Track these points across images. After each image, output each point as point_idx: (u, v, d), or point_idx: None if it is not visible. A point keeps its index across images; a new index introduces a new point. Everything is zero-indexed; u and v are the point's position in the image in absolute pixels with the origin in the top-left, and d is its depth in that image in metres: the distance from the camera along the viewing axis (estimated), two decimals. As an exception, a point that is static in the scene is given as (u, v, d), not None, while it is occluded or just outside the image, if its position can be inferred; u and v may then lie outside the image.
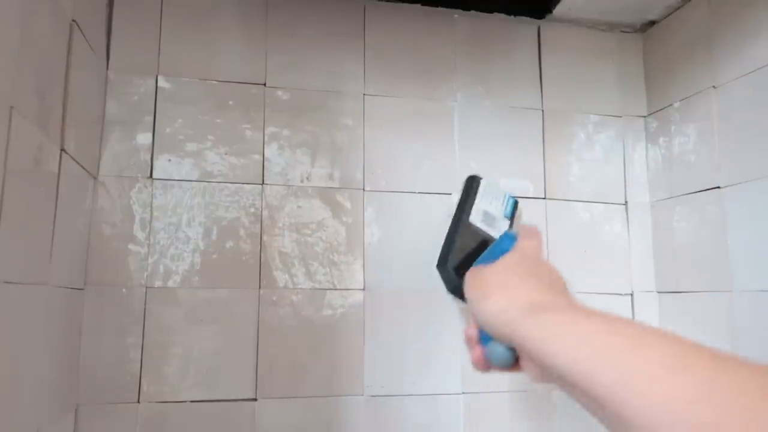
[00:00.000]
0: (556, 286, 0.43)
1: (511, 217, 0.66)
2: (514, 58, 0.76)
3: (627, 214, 0.76)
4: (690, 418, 0.25)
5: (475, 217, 0.63)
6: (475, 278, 0.47)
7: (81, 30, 0.54)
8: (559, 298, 0.40)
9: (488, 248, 0.55)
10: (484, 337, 0.46)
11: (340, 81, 0.70)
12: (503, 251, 0.50)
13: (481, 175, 0.66)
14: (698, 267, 0.68)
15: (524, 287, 0.41)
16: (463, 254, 0.59)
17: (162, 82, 0.65)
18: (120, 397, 0.59)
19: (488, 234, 0.63)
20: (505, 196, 0.67)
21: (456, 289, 0.58)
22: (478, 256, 0.58)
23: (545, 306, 0.38)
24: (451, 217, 0.64)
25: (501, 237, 0.56)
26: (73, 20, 0.53)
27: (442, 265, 0.59)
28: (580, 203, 0.75)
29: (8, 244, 0.39)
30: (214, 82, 0.67)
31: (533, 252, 0.49)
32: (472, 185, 0.66)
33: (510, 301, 0.40)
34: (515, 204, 0.67)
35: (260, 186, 0.66)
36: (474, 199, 0.65)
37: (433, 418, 0.67)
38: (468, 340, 0.47)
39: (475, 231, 0.62)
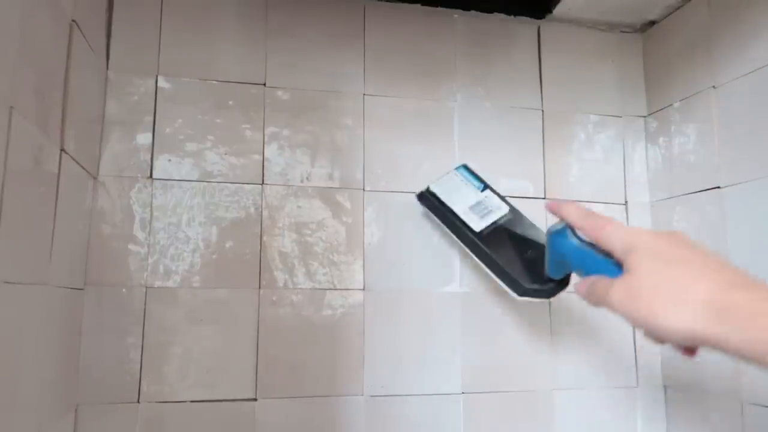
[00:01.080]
0: (723, 272, 0.38)
1: (482, 180, 0.65)
2: (514, 58, 0.76)
3: (627, 214, 0.76)
4: None
5: (474, 220, 0.61)
6: (622, 293, 0.40)
7: (81, 30, 0.54)
8: (739, 291, 0.36)
9: (550, 250, 0.50)
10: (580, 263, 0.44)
11: (340, 81, 0.70)
12: (568, 246, 0.46)
13: (425, 188, 0.64)
14: (698, 267, 0.68)
15: (693, 290, 0.36)
16: (524, 264, 0.56)
17: (162, 82, 0.65)
18: (120, 397, 0.59)
19: (508, 221, 0.59)
20: (457, 176, 0.65)
21: (554, 290, 0.54)
22: (532, 249, 0.55)
23: (731, 305, 0.35)
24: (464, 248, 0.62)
25: (555, 234, 0.49)
26: (73, 20, 0.53)
27: (530, 287, 0.54)
28: (581, 203, 0.75)
29: (8, 244, 0.39)
30: (214, 82, 0.67)
31: (664, 242, 0.40)
32: (430, 200, 0.63)
33: (689, 310, 0.36)
34: (465, 168, 0.65)
35: (260, 186, 0.66)
36: (450, 209, 0.61)
37: (433, 418, 0.67)
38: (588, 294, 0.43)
39: (496, 235, 0.59)
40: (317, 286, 0.66)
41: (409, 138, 0.71)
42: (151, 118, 0.64)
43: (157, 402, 0.60)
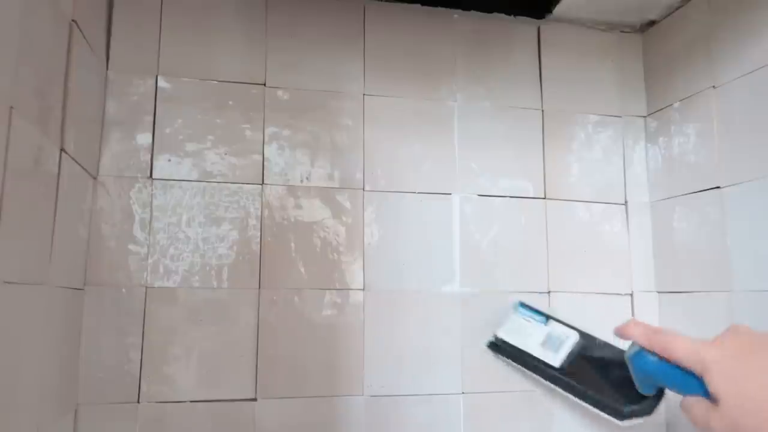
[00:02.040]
0: None
1: (541, 313, 0.66)
2: (513, 58, 0.76)
3: (627, 214, 0.76)
4: None
5: (550, 356, 0.61)
6: (721, 424, 0.40)
7: (81, 30, 0.54)
8: None
9: (634, 372, 0.51)
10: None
11: (340, 81, 0.70)
12: (650, 365, 0.47)
13: (493, 337, 0.66)
14: (698, 267, 0.68)
15: None
16: (614, 387, 0.56)
17: (162, 82, 0.65)
18: (120, 397, 0.59)
19: (582, 347, 0.61)
20: (518, 316, 0.66)
21: (653, 405, 0.54)
22: (616, 370, 0.55)
23: None
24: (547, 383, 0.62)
25: (634, 356, 0.49)
26: (73, 20, 0.53)
27: (630, 410, 0.55)
28: (580, 203, 0.75)
29: (8, 244, 0.39)
30: (214, 82, 0.67)
31: (733, 354, 0.40)
32: (502, 348, 0.65)
33: None
34: (523, 306, 0.67)
35: (260, 186, 0.66)
36: (523, 351, 0.63)
37: (433, 418, 0.67)
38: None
39: (576, 366, 0.60)
40: (317, 286, 0.66)
41: (409, 138, 0.71)
42: (151, 118, 0.64)
43: (157, 402, 0.60)
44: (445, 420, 0.67)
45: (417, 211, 0.70)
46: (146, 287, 0.62)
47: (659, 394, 0.54)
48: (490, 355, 0.69)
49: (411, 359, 0.67)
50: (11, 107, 0.39)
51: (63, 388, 0.55)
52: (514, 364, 0.66)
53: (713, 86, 0.67)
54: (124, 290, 0.61)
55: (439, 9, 0.74)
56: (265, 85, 0.68)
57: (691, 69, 0.70)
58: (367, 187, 0.69)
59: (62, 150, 0.50)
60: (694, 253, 0.69)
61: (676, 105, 0.73)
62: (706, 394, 0.41)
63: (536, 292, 0.71)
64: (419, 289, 0.69)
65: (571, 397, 0.61)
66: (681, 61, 0.72)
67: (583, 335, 0.64)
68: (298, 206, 0.67)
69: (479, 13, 0.75)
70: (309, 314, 0.65)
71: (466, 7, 0.75)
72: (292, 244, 0.66)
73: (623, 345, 0.55)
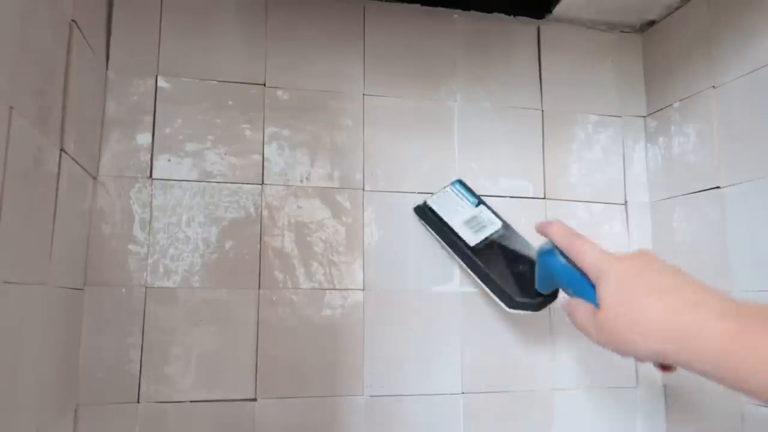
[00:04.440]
0: (681, 292, 0.39)
1: (475, 195, 0.67)
2: (513, 58, 0.76)
3: (627, 214, 0.76)
4: None
5: (468, 235, 0.63)
6: (596, 327, 0.42)
7: (81, 30, 0.54)
8: (688, 312, 0.37)
9: (539, 267, 0.53)
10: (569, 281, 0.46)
11: (340, 81, 0.70)
12: (556, 265, 0.48)
13: (423, 203, 0.66)
14: (698, 267, 0.68)
15: (651, 315, 0.38)
16: (515, 277, 0.59)
17: (162, 83, 0.65)
18: (120, 397, 0.59)
19: (501, 236, 0.62)
20: (452, 191, 0.67)
21: (542, 304, 0.57)
22: (523, 264, 0.57)
23: (679, 328, 0.36)
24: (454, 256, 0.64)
25: (545, 253, 0.51)
26: (73, 20, 0.53)
27: (520, 300, 0.57)
28: (580, 203, 0.75)
29: (8, 244, 0.39)
30: (214, 82, 0.67)
31: (628, 268, 0.42)
32: (427, 214, 0.66)
33: (650, 334, 0.38)
34: (461, 183, 0.67)
35: (260, 186, 0.66)
36: (445, 223, 0.64)
37: (433, 418, 0.67)
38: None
39: (489, 250, 0.62)
40: (317, 286, 0.66)
41: (408, 138, 0.71)
42: (151, 118, 0.64)
43: (157, 402, 0.60)
44: (445, 420, 0.67)
45: (417, 211, 0.70)
46: (146, 287, 0.62)
47: (552, 296, 0.57)
48: (489, 353, 0.69)
49: (411, 359, 0.67)
50: (11, 107, 0.39)
51: (63, 388, 0.55)
52: (433, 233, 0.67)
53: (713, 86, 0.67)
54: (123, 290, 0.61)
55: (439, 9, 0.74)
56: (264, 85, 0.68)
57: (691, 69, 0.70)
58: (367, 187, 0.69)
59: (62, 150, 0.50)
60: (694, 253, 0.69)
61: (675, 105, 0.73)
62: (597, 304, 0.43)
63: (536, 292, 0.71)
64: (419, 289, 0.69)
65: (472, 275, 0.63)
66: (681, 61, 0.72)
67: (506, 227, 0.66)
68: (298, 206, 0.67)
69: (479, 13, 0.75)
70: (309, 314, 0.65)
71: (466, 7, 0.75)
72: (292, 244, 0.66)
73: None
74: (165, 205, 0.63)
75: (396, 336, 0.67)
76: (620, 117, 0.78)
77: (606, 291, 0.42)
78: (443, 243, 0.67)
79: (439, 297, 0.69)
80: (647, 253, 0.43)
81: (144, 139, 0.64)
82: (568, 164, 0.76)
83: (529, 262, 0.57)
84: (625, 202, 0.77)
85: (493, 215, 0.66)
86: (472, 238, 0.63)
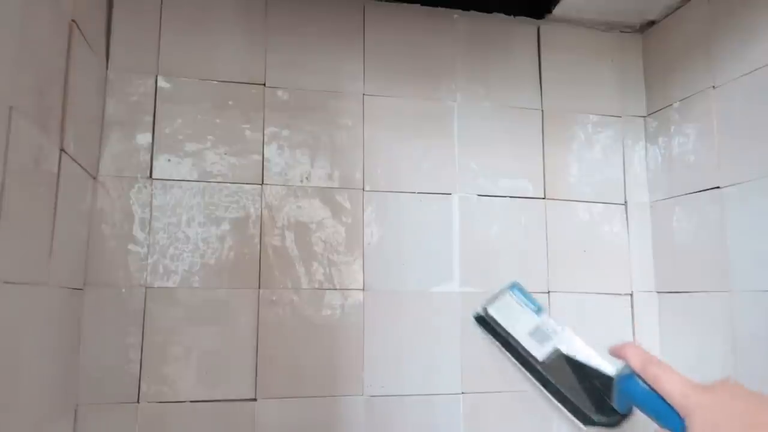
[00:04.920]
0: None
1: (535, 302, 0.66)
2: (513, 58, 0.76)
3: (627, 214, 0.76)
4: None
5: (535, 348, 0.62)
6: None
7: (81, 30, 0.54)
8: None
9: (618, 390, 0.52)
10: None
11: (340, 81, 0.70)
12: (638, 391, 0.48)
13: (480, 308, 0.65)
14: (698, 267, 0.68)
15: None
16: (587, 393, 0.57)
17: (162, 82, 0.65)
18: (120, 397, 0.59)
19: (570, 358, 0.61)
20: (511, 296, 0.66)
21: (618, 422, 0.55)
22: (595, 378, 0.56)
23: None
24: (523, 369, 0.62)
25: (624, 379, 0.51)
26: (73, 20, 0.53)
27: (598, 420, 0.55)
28: (580, 203, 0.75)
29: (8, 244, 0.39)
30: (214, 82, 0.67)
31: (718, 406, 0.42)
32: (489, 324, 0.63)
33: None
34: (518, 289, 0.67)
35: (260, 186, 0.66)
36: (509, 334, 0.62)
37: (433, 418, 0.67)
38: None
39: (557, 362, 0.61)
40: (317, 286, 0.66)
41: (408, 138, 0.71)
42: (151, 118, 0.64)
43: (157, 402, 0.60)
44: (445, 420, 0.67)
45: (417, 211, 0.70)
46: (146, 287, 0.62)
47: (629, 413, 0.55)
48: (489, 353, 0.69)
49: (411, 359, 0.67)
50: (11, 107, 0.39)
51: (63, 388, 0.55)
52: (497, 343, 0.66)
53: (713, 86, 0.67)
54: (124, 290, 0.61)
55: (439, 9, 0.74)
56: (264, 85, 0.68)
57: (691, 69, 0.70)
58: (366, 187, 0.69)
59: (62, 150, 0.50)
60: (694, 253, 0.69)
61: (675, 105, 0.73)
62: (679, 428, 0.43)
63: (536, 292, 0.71)
64: (419, 289, 0.69)
65: (544, 391, 0.62)
66: (681, 61, 0.72)
67: (566, 331, 0.64)
68: (298, 206, 0.67)
69: (479, 13, 0.75)
70: (309, 314, 0.65)
71: (466, 7, 0.75)
72: (292, 244, 0.66)
73: (606, 356, 0.56)
74: (165, 205, 0.63)
75: (396, 336, 0.67)
76: (620, 117, 0.78)
77: (699, 430, 0.41)
78: (509, 356, 0.65)
79: (439, 297, 0.69)
80: (731, 382, 0.43)
81: (144, 139, 0.64)
82: (568, 164, 0.76)
83: (598, 376, 0.56)
84: (625, 201, 0.77)
85: (555, 323, 0.65)
86: (540, 352, 0.61)
